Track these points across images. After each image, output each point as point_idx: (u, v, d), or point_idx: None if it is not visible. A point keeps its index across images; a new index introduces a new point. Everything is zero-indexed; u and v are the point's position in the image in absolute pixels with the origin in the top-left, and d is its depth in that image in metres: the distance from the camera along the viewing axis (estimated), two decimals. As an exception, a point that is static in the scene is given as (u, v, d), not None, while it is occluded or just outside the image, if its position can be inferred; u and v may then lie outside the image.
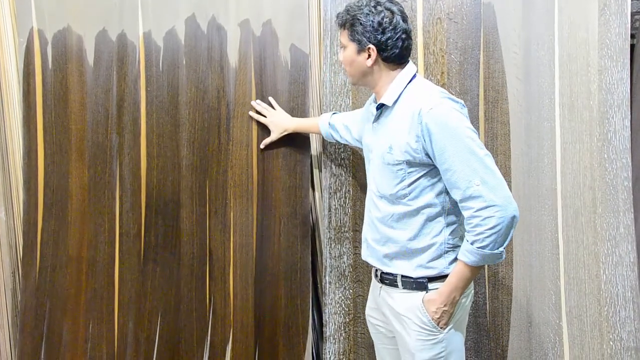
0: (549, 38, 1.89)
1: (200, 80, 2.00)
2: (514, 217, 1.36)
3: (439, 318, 1.46)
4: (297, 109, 2.00)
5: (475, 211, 1.37)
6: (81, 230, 2.03)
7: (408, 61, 1.54)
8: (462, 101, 1.49)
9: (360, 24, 1.46)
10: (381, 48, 1.47)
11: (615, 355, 1.79)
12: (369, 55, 1.48)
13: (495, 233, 1.36)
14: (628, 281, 1.81)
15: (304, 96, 1.99)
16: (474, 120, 1.90)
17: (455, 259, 1.49)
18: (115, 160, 2.03)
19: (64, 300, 2.04)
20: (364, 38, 1.47)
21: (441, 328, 1.47)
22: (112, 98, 2.02)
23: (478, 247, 1.38)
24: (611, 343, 1.80)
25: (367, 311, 1.72)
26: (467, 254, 1.40)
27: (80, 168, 2.03)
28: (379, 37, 1.46)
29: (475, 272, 1.44)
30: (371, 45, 1.47)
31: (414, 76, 1.52)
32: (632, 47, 2.00)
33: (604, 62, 1.85)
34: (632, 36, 1.99)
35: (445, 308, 1.45)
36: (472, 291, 1.57)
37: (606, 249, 1.84)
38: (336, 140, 1.89)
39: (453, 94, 1.67)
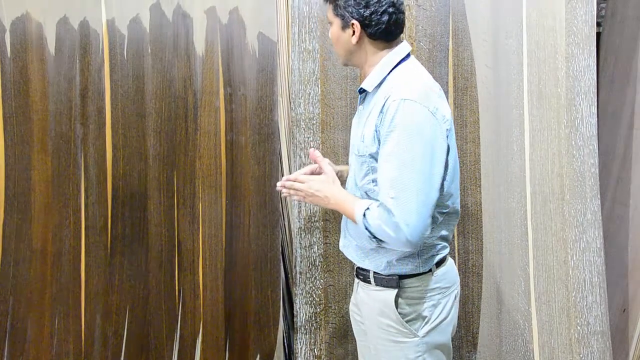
0: (517, 25, 1.89)
1: (166, 69, 1.96)
2: (407, 244, 1.28)
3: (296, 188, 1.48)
4: (266, 97, 1.97)
5: (385, 216, 1.28)
6: (45, 223, 1.98)
7: (400, 40, 1.42)
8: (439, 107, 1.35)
9: None
10: (365, 24, 1.35)
11: (582, 339, 1.81)
12: (353, 32, 1.37)
13: (383, 235, 1.29)
14: (595, 266, 1.82)
15: (272, 84, 1.97)
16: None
17: (431, 257, 1.42)
18: (79, 151, 1.98)
19: (28, 295, 1.98)
20: (346, 12, 1.36)
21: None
22: (75, 87, 1.96)
23: (366, 221, 1.31)
24: (578, 328, 1.82)
25: (350, 306, 1.63)
26: (361, 209, 1.33)
27: (43, 159, 1.97)
28: (362, 11, 1.34)
29: (346, 211, 1.39)
30: (354, 21, 1.36)
31: (404, 59, 1.40)
32: (598, 35, 2.01)
33: (571, 50, 1.85)
34: (598, 24, 2.01)
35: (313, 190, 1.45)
36: (459, 290, 1.52)
37: (574, 235, 1.85)
38: None
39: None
